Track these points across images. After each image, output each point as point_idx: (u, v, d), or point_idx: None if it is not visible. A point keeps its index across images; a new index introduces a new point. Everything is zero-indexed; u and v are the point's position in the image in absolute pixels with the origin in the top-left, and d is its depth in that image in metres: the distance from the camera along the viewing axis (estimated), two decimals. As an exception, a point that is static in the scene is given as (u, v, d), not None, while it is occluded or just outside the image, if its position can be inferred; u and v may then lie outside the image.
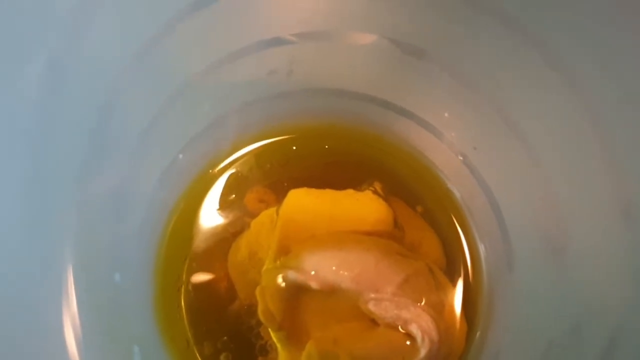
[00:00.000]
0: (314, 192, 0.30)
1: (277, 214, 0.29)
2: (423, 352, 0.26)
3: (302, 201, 0.29)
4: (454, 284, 0.30)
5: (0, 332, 0.20)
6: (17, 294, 0.21)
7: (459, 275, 0.30)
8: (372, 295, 0.26)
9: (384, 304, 0.26)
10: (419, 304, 0.26)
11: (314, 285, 0.26)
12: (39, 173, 0.22)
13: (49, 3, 0.21)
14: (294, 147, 0.33)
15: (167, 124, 0.27)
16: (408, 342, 0.26)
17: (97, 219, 0.25)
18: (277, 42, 0.27)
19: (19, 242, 0.21)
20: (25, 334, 0.21)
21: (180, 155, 0.30)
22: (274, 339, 0.28)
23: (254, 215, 0.31)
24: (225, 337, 0.29)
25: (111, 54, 0.24)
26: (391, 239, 0.29)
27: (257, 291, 0.27)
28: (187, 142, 0.30)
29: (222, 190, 0.32)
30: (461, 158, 0.30)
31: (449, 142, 0.30)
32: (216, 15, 0.25)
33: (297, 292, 0.27)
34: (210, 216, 0.32)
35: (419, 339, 0.26)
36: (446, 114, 0.29)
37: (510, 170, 0.26)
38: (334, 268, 0.26)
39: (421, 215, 0.32)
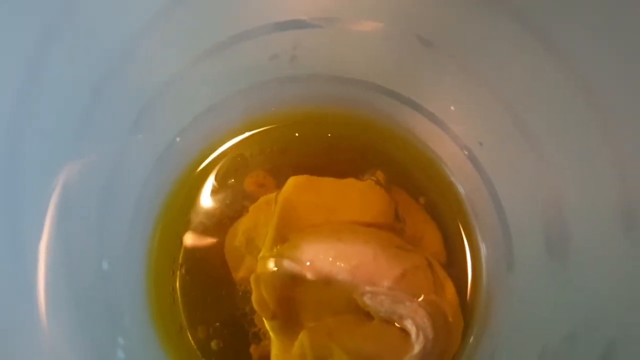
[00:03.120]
0: (314, 179, 0.29)
1: (276, 200, 0.29)
2: (417, 348, 0.25)
3: (302, 188, 0.29)
4: (453, 280, 0.29)
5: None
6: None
7: (458, 272, 0.30)
8: (368, 289, 0.26)
9: (380, 298, 0.26)
10: (415, 299, 0.26)
11: (309, 275, 0.26)
12: (24, 150, 0.21)
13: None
14: (297, 134, 0.33)
15: (165, 106, 0.27)
16: (402, 338, 0.26)
17: (86, 201, 0.24)
18: (281, 26, 0.27)
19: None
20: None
21: (178, 139, 0.29)
22: (268, 328, 0.27)
23: (253, 200, 0.31)
24: (218, 323, 0.29)
25: (109, 30, 0.23)
26: (391, 231, 0.29)
27: (252, 279, 0.27)
28: (185, 126, 0.29)
29: (222, 174, 0.32)
30: (466, 153, 0.29)
31: (455, 136, 0.29)
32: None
33: (292, 282, 0.26)
34: (209, 199, 0.31)
35: (413, 335, 0.25)
36: (452, 107, 0.29)
37: (515, 168, 0.26)
38: (330, 259, 0.26)
39: (424, 207, 0.31)
